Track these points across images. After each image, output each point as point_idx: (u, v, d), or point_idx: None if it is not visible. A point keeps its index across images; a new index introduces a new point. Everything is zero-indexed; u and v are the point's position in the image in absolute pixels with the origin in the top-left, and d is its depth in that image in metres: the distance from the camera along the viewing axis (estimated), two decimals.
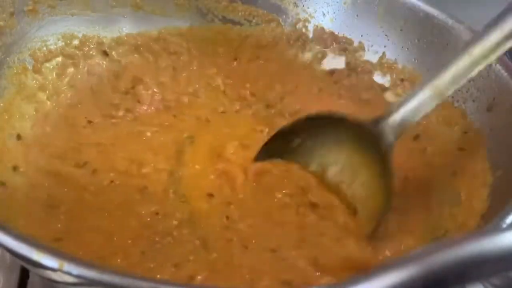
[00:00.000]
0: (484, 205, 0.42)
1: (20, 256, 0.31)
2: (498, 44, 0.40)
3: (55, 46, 0.55)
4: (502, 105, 0.46)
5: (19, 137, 0.48)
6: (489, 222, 0.38)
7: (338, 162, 0.45)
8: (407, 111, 0.42)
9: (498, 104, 0.47)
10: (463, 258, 0.24)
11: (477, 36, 0.41)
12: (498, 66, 0.47)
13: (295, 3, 0.61)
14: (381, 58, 0.58)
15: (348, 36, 0.60)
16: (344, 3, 0.59)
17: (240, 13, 0.62)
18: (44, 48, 0.55)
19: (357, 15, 0.59)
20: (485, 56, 0.40)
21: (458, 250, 0.24)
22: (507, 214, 0.36)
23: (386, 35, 0.58)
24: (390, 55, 0.58)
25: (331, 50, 0.60)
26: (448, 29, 0.53)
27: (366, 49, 0.59)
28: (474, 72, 0.41)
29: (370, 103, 0.56)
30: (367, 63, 0.59)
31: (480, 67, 0.41)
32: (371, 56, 0.59)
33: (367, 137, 0.43)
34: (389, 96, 0.57)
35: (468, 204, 0.43)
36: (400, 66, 0.57)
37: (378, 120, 0.43)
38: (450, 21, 0.53)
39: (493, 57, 0.40)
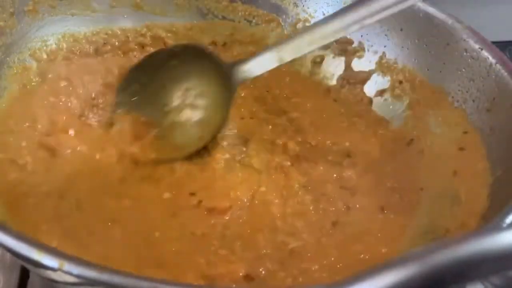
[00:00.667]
0: (484, 205, 0.42)
1: (20, 256, 0.31)
2: (336, 32, 0.48)
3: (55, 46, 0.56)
4: (502, 105, 0.46)
5: None
6: (489, 222, 0.38)
7: (195, 88, 0.53)
8: (252, 64, 0.51)
9: (498, 104, 0.47)
10: (463, 258, 0.24)
11: (323, 20, 0.50)
12: (498, 66, 0.47)
13: (295, 3, 0.61)
14: (381, 58, 0.58)
15: (348, 36, 0.60)
16: (344, 3, 0.59)
17: (240, 13, 0.62)
18: (45, 48, 0.55)
19: None
20: (323, 38, 0.49)
21: (458, 250, 0.24)
22: (507, 214, 0.36)
23: (386, 35, 0.58)
24: (390, 55, 0.58)
25: (331, 50, 0.60)
26: (448, 29, 0.53)
27: (366, 49, 0.59)
28: (311, 48, 0.50)
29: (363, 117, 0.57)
30: (360, 74, 0.59)
31: (317, 46, 0.50)
32: (371, 56, 0.59)
33: (222, 74, 0.52)
34: (381, 100, 0.57)
35: (468, 204, 0.43)
36: (400, 66, 0.57)
37: (233, 65, 0.52)
38: (450, 21, 0.53)
39: (330, 40, 0.50)
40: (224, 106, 0.52)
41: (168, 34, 0.60)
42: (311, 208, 0.47)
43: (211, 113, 0.52)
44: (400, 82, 0.56)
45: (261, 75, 0.52)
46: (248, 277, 0.40)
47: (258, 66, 0.51)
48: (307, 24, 0.61)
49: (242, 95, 0.57)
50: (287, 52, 0.50)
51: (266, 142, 0.52)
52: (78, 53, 0.57)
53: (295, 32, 0.52)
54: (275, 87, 0.58)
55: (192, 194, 0.47)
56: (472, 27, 0.52)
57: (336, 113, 0.57)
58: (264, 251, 0.43)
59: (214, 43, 0.61)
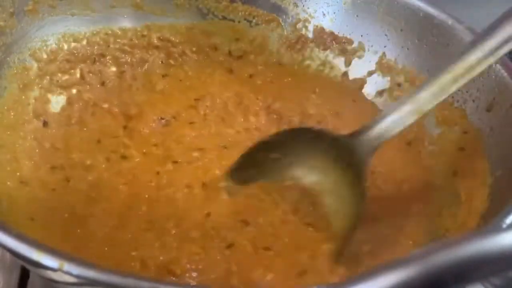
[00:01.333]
0: (484, 205, 0.42)
1: (20, 256, 0.31)
2: (478, 63, 0.41)
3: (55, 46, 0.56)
4: (502, 105, 0.46)
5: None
6: (489, 222, 0.38)
7: (314, 177, 0.45)
8: (383, 127, 0.43)
9: (498, 104, 0.47)
10: (463, 258, 0.24)
11: (459, 55, 0.42)
12: (498, 66, 0.47)
13: (295, 3, 0.61)
14: (381, 58, 0.58)
15: (348, 36, 0.60)
16: (344, 3, 0.59)
17: (240, 13, 0.61)
18: (45, 48, 0.55)
19: (357, 15, 0.59)
20: (463, 74, 0.41)
21: (458, 250, 0.24)
22: (507, 214, 0.36)
23: (386, 35, 0.58)
24: (390, 55, 0.58)
25: (331, 50, 0.61)
26: (448, 29, 0.53)
27: (366, 49, 0.59)
28: (453, 89, 0.42)
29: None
30: (356, 80, 0.59)
31: (459, 84, 0.42)
32: (371, 56, 0.59)
33: (343, 151, 0.43)
34: (381, 100, 0.57)
35: (468, 204, 0.43)
36: (400, 66, 0.57)
37: (355, 134, 0.43)
38: (450, 21, 0.53)
39: (473, 74, 0.42)
40: (356, 186, 0.42)
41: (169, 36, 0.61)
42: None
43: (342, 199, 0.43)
44: (399, 84, 0.56)
45: None
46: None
47: (391, 126, 0.42)
48: (307, 24, 0.61)
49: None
50: (426, 100, 0.41)
51: None
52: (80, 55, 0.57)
53: (430, 77, 0.43)
54: None
55: None
56: (472, 27, 0.52)
57: None
58: None
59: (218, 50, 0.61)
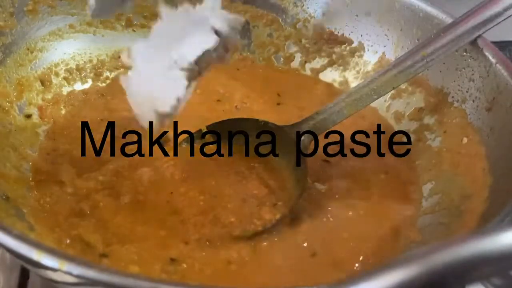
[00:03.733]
0: (484, 205, 0.42)
1: (20, 256, 0.31)
2: (413, 70, 0.48)
3: None
4: (502, 105, 0.46)
5: None
6: (489, 222, 0.38)
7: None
8: (320, 120, 0.49)
9: (498, 104, 0.47)
10: (463, 258, 0.24)
11: (392, 63, 0.49)
12: (498, 66, 0.47)
13: (295, 3, 0.61)
14: (381, 58, 0.58)
15: (348, 36, 0.60)
16: (345, 4, 0.59)
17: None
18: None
19: (357, 15, 0.59)
20: (393, 81, 0.48)
21: (458, 250, 0.24)
22: (507, 214, 0.36)
23: (386, 35, 0.58)
24: (390, 55, 0.58)
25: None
26: None
27: (366, 49, 0.59)
28: (384, 92, 0.49)
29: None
30: None
31: (389, 89, 0.49)
32: (371, 56, 0.59)
33: (286, 139, 0.49)
34: (381, 100, 0.57)
35: (468, 204, 0.43)
36: None
37: (295, 126, 0.49)
38: (450, 21, 0.52)
39: (401, 82, 0.49)
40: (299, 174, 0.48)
41: None
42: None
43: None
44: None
45: None
46: None
47: (327, 119, 0.48)
48: (307, 24, 0.61)
49: None
50: (357, 100, 0.48)
51: None
52: None
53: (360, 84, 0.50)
54: None
55: None
56: None
57: None
58: None
59: None
